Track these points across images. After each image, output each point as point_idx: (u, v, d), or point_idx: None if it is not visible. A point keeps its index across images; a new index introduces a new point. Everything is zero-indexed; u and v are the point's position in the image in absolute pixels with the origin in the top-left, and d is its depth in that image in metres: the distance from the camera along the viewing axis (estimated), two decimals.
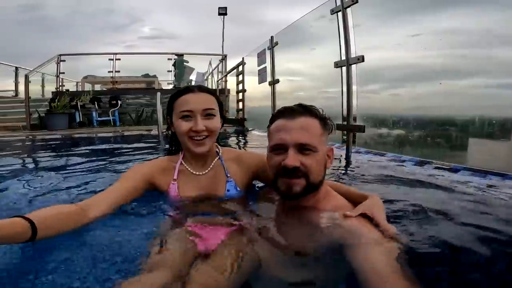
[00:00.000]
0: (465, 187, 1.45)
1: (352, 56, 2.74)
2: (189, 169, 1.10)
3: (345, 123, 2.88)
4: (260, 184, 1.24)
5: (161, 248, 0.78)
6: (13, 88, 9.61)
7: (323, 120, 0.88)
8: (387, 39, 2.95)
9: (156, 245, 0.80)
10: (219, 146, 1.18)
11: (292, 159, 0.82)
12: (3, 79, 9.80)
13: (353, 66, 2.77)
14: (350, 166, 2.13)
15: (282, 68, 4.58)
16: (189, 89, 1.05)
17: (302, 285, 0.73)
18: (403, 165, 2.04)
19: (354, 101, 2.86)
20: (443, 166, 1.88)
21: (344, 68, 2.87)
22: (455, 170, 1.79)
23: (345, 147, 2.79)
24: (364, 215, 0.81)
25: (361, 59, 2.65)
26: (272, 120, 0.92)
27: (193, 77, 10.70)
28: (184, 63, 10.34)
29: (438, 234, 0.85)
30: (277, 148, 0.86)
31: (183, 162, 1.11)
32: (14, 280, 0.69)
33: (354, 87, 2.85)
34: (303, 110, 0.87)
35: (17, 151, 3.55)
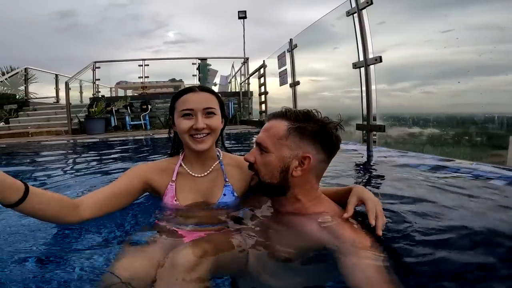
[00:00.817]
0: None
1: (370, 57, 2.77)
2: (188, 170, 1.11)
3: (365, 123, 2.92)
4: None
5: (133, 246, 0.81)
6: (54, 95, 10.43)
7: (294, 125, 0.85)
8: (415, 36, 2.88)
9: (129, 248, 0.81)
10: (220, 151, 1.18)
11: (249, 154, 0.90)
12: (44, 85, 10.54)
13: (372, 67, 2.80)
14: (376, 167, 2.07)
15: (305, 68, 4.64)
16: (190, 89, 1.06)
17: None
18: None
19: (374, 101, 2.88)
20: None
21: (362, 69, 2.91)
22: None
23: (359, 145, 2.82)
24: (354, 218, 0.82)
25: (378, 59, 2.67)
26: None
27: (217, 80, 11.02)
28: (207, 67, 10.69)
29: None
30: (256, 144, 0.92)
31: (182, 163, 1.12)
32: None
33: (373, 87, 2.88)
34: (279, 114, 0.89)
35: (62, 154, 3.96)
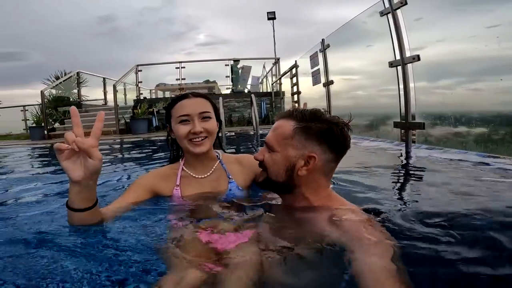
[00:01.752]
0: None
1: (407, 56, 2.78)
2: (191, 173, 1.14)
3: (403, 121, 2.92)
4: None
5: (178, 250, 0.78)
6: (103, 97, 11.26)
7: (301, 124, 0.85)
8: (459, 32, 2.80)
9: (172, 248, 0.80)
10: (218, 151, 1.22)
11: (258, 153, 0.91)
12: (93, 88, 11.23)
13: (409, 65, 2.80)
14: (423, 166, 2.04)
15: (337, 67, 4.66)
16: (184, 96, 1.11)
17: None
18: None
19: (413, 99, 2.87)
20: None
21: (399, 67, 2.91)
22: None
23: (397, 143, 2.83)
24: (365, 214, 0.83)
25: (416, 58, 2.67)
26: None
27: (249, 80, 11.26)
28: (238, 66, 10.98)
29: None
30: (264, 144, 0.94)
31: (184, 168, 1.15)
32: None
33: (411, 85, 2.87)
34: (285, 114, 0.90)
35: (113, 151, 4.42)
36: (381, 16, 2.94)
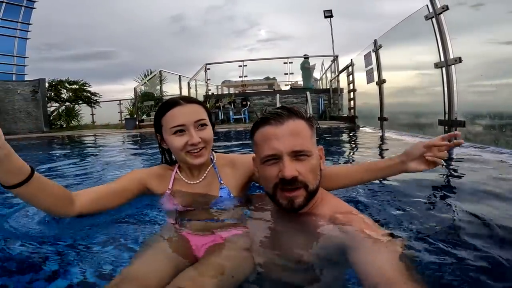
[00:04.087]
0: None
1: (450, 57, 2.94)
2: (184, 179, 1.10)
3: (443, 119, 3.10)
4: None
5: (143, 255, 0.77)
6: (178, 93, 12.86)
7: (309, 120, 0.84)
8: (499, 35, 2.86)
9: (143, 251, 0.79)
10: (213, 152, 1.15)
11: (290, 169, 0.77)
12: (169, 84, 12.33)
13: (452, 67, 2.96)
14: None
15: (388, 65, 4.78)
16: (175, 102, 1.01)
17: None
18: None
19: (455, 98, 3.02)
20: None
21: (443, 69, 3.07)
22: None
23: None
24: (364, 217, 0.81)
25: (458, 60, 2.83)
26: (255, 128, 0.85)
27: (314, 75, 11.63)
28: (306, 65, 11.31)
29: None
30: (270, 159, 0.80)
31: (178, 172, 1.12)
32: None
33: (454, 85, 3.01)
34: (289, 113, 0.82)
35: None
36: (426, 20, 3.13)
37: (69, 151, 4.66)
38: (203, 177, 1.10)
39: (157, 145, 1.15)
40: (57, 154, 4.31)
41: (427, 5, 3.04)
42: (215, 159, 1.15)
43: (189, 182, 1.10)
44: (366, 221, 0.77)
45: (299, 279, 0.72)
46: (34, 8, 33.09)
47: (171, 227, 0.97)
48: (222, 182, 1.10)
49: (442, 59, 3.02)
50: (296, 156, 0.78)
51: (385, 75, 4.75)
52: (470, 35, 2.89)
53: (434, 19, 3.00)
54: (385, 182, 1.38)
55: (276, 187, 0.80)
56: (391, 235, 0.72)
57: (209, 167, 1.12)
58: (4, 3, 29.93)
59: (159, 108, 1.05)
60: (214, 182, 1.11)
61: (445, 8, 2.84)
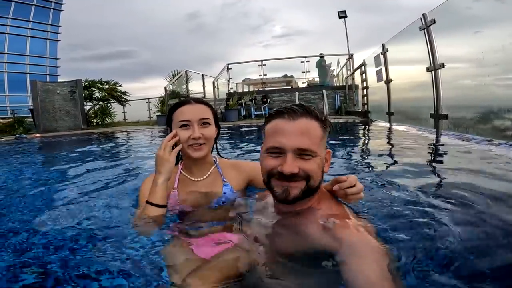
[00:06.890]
0: None
1: (437, 63, 3.59)
2: (188, 176, 1.20)
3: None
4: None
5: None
6: (202, 91, 13.10)
7: (323, 123, 0.84)
8: None
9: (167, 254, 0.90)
10: (216, 157, 1.27)
11: (290, 166, 0.78)
12: (193, 82, 12.58)
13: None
14: None
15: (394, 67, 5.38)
16: (186, 101, 1.15)
17: None
18: None
19: (441, 96, 3.64)
20: None
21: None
22: None
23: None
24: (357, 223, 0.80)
25: (441, 65, 3.50)
26: (269, 119, 0.87)
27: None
28: (322, 63, 11.82)
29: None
30: (274, 151, 0.82)
31: (182, 171, 1.21)
32: None
33: (441, 86, 3.65)
34: (303, 111, 0.82)
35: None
36: (419, 30, 3.78)
37: (113, 144, 5.35)
38: (207, 175, 1.21)
39: None
40: (106, 148, 4.90)
41: (420, 18, 3.70)
42: (218, 161, 1.27)
43: (193, 179, 1.21)
44: (359, 229, 0.77)
45: (292, 278, 0.76)
46: (61, 10, 34.70)
47: (177, 231, 1.06)
48: (225, 179, 1.21)
49: (432, 64, 3.68)
50: (300, 154, 0.80)
51: (392, 75, 5.41)
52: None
53: (425, 30, 3.66)
54: (385, 183, 1.47)
55: (272, 176, 0.83)
56: (382, 242, 0.74)
57: (213, 167, 1.24)
58: (33, 6, 31.48)
59: (173, 105, 1.19)
60: (217, 179, 1.22)
61: (433, 21, 3.51)
